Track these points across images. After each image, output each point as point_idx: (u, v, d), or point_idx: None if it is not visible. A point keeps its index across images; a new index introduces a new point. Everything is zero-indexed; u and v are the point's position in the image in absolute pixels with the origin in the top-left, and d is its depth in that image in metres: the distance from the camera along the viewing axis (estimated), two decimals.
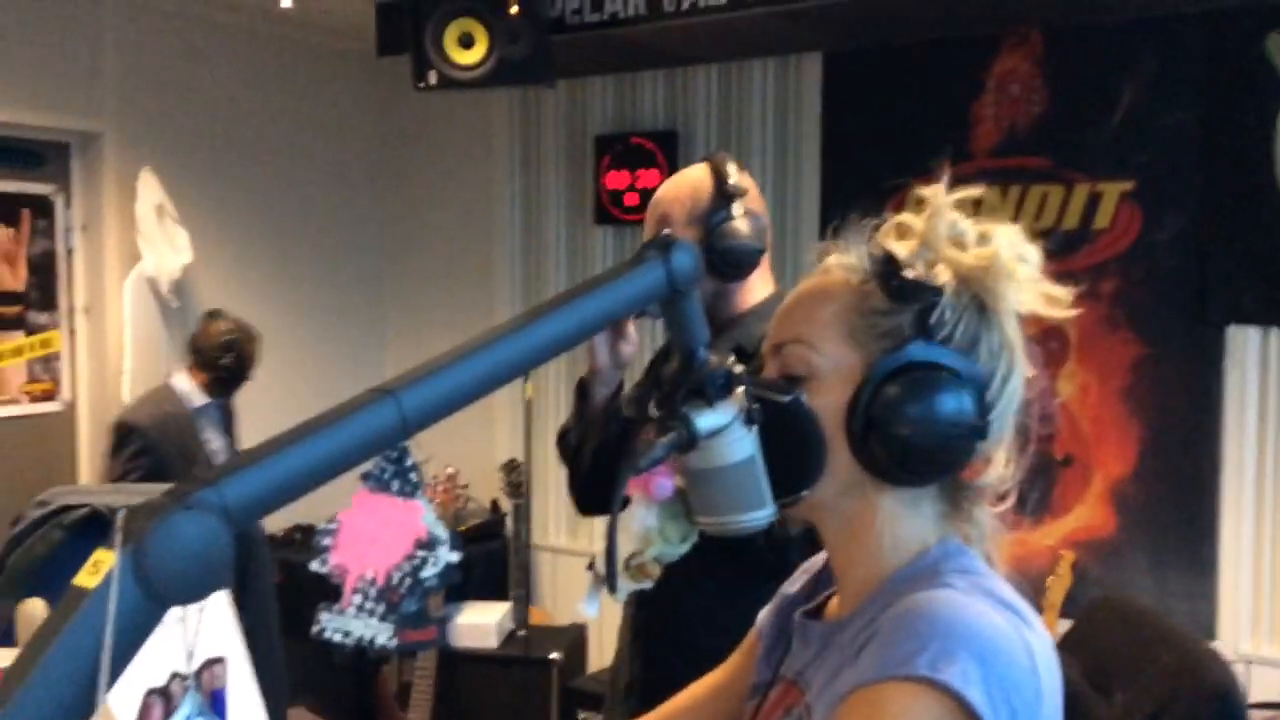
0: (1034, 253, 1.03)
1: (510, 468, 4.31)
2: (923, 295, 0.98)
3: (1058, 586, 3.46)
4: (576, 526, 4.73)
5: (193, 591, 0.63)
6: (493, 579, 4.43)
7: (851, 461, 0.99)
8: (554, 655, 3.93)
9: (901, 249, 1.02)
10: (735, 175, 2.07)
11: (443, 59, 3.22)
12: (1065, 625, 2.70)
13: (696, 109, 4.40)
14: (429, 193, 5.15)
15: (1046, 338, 3.64)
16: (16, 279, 4.06)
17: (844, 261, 1.05)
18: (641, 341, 2.25)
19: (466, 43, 3.24)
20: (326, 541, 0.72)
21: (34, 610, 1.41)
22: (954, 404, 0.96)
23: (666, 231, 0.92)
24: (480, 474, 4.66)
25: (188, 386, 3.74)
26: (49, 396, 4.17)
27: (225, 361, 3.71)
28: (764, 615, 1.24)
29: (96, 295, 4.23)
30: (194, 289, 4.37)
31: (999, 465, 1.03)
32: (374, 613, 0.72)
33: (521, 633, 4.06)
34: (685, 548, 1.01)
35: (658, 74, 4.45)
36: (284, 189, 4.76)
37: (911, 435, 0.96)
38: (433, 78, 3.25)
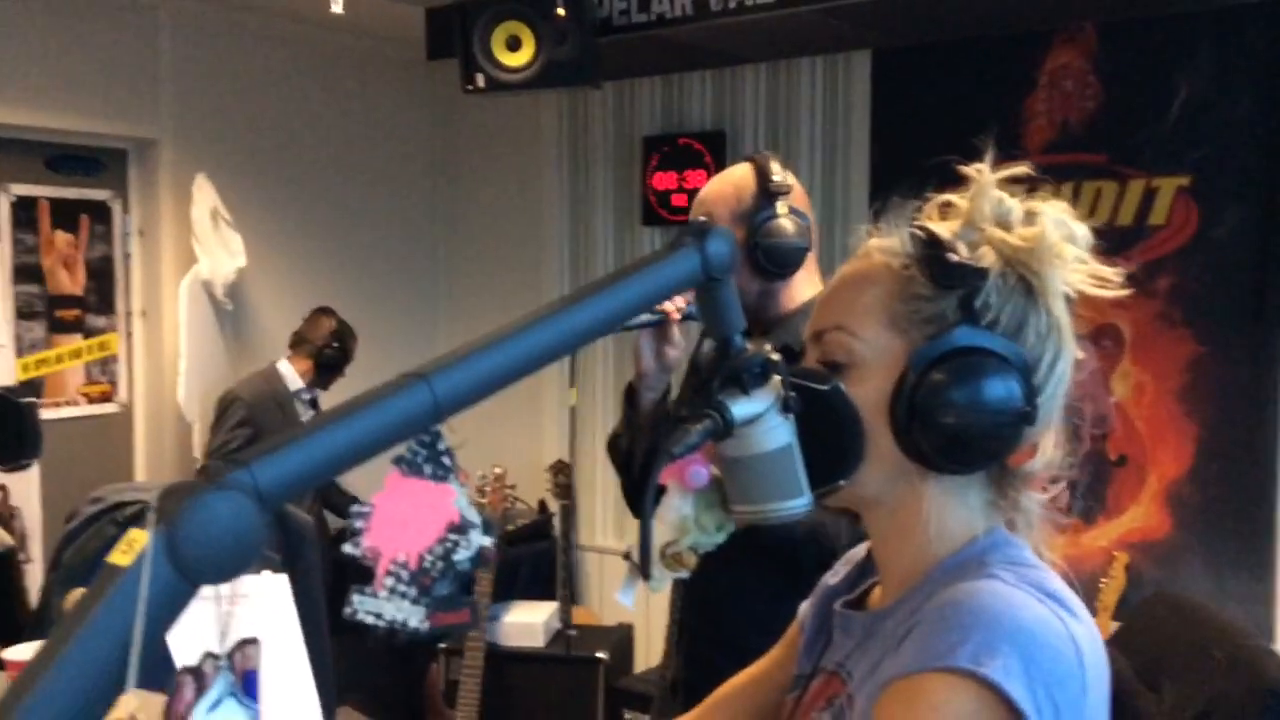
0: (1083, 231, 1.01)
1: (557, 469, 4.32)
2: (967, 279, 0.96)
3: (1111, 588, 3.40)
4: (623, 527, 4.73)
5: (224, 571, 0.64)
6: (540, 579, 4.45)
7: (895, 450, 0.98)
8: (600, 655, 3.93)
9: (944, 230, 1.00)
10: (779, 173, 2.06)
11: (490, 62, 3.24)
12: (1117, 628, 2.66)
13: (744, 109, 4.39)
14: (479, 195, 5.18)
15: (1101, 336, 3.59)
16: (75, 283, 4.14)
17: (885, 245, 1.04)
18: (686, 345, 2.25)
19: (514, 45, 3.25)
20: (360, 524, 0.73)
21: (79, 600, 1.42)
22: (1001, 390, 0.94)
23: (703, 218, 0.91)
24: (528, 474, 4.68)
25: (290, 372, 4.17)
26: (106, 398, 4.25)
27: (330, 353, 4.16)
28: (805, 607, 1.23)
29: (153, 299, 4.30)
30: (248, 292, 4.43)
31: (1047, 450, 1.01)
32: (406, 595, 0.73)
33: (570, 632, 4.06)
34: (721, 537, 1.01)
35: (705, 74, 4.44)
36: (336, 193, 4.82)
37: (957, 423, 0.94)
38: (480, 80, 3.27)
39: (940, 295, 0.98)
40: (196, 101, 4.30)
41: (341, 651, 4.81)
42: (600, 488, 4.67)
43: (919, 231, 1.00)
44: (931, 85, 3.95)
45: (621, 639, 4.17)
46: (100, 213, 4.21)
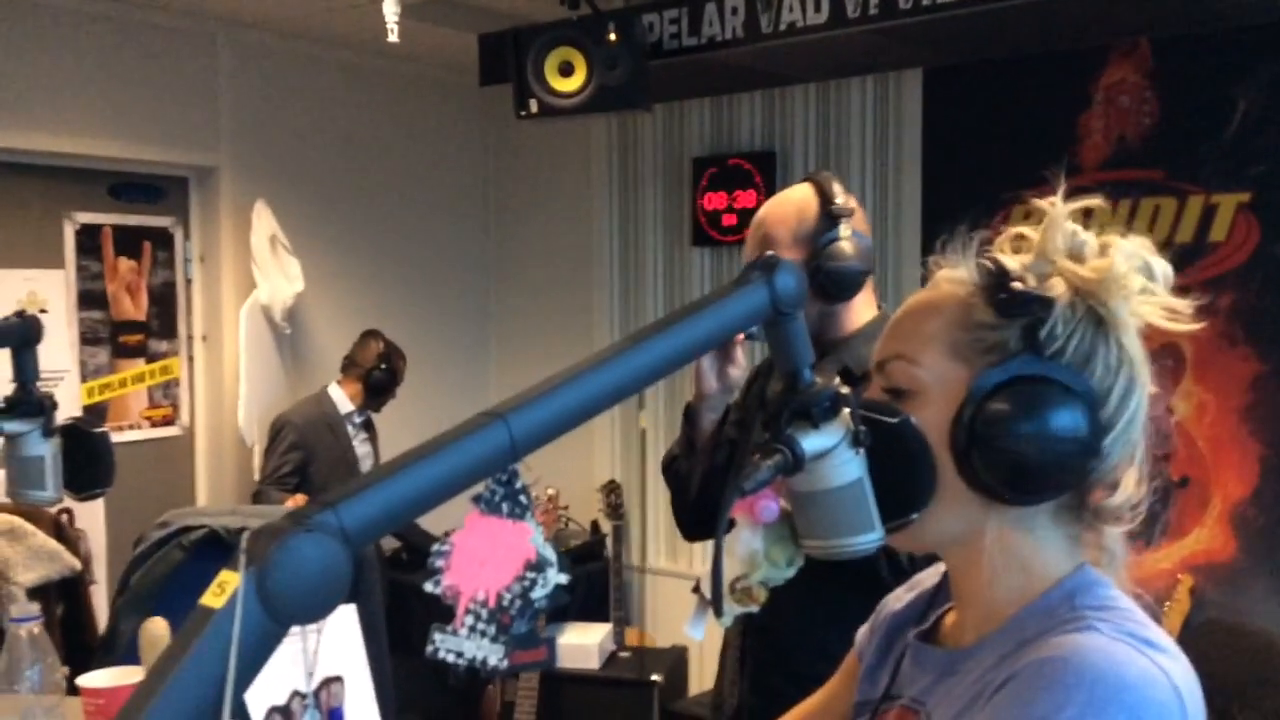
0: (1162, 265, 0.99)
1: (609, 489, 4.33)
2: (1030, 308, 0.96)
3: (1175, 611, 3.35)
4: (676, 548, 4.72)
5: (314, 611, 0.65)
6: (593, 600, 4.45)
7: (958, 480, 0.97)
8: (655, 677, 3.92)
9: (1015, 262, 0.99)
10: (841, 195, 2.04)
11: (543, 87, 3.27)
12: None
13: (795, 129, 4.39)
14: (530, 217, 5.22)
15: (1162, 355, 3.54)
16: (138, 308, 4.22)
17: (952, 275, 1.04)
18: (749, 365, 2.25)
19: (566, 71, 3.28)
20: (440, 563, 0.74)
21: (156, 630, 1.45)
22: (1063, 420, 0.93)
23: (770, 253, 0.91)
24: (580, 495, 4.70)
25: (340, 395, 4.24)
26: (168, 421, 4.32)
27: (378, 375, 4.20)
28: (863, 633, 1.22)
29: (213, 323, 4.38)
30: (306, 316, 4.49)
31: (1129, 487, 0.99)
32: (486, 634, 0.73)
33: (624, 654, 4.06)
34: (791, 572, 1.00)
35: (755, 95, 4.45)
36: (391, 217, 4.88)
37: (1016, 452, 0.93)
38: (534, 106, 3.30)
39: (1004, 324, 0.97)
40: (255, 129, 4.38)
41: (398, 670, 4.84)
42: (654, 508, 4.67)
43: (987, 262, 1.00)
44: (984, 104, 3.93)
45: (676, 661, 4.17)
46: (162, 239, 4.30)
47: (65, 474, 1.57)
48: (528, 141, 5.09)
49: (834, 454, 0.93)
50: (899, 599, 1.20)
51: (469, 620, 0.73)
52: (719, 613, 0.90)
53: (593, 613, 4.37)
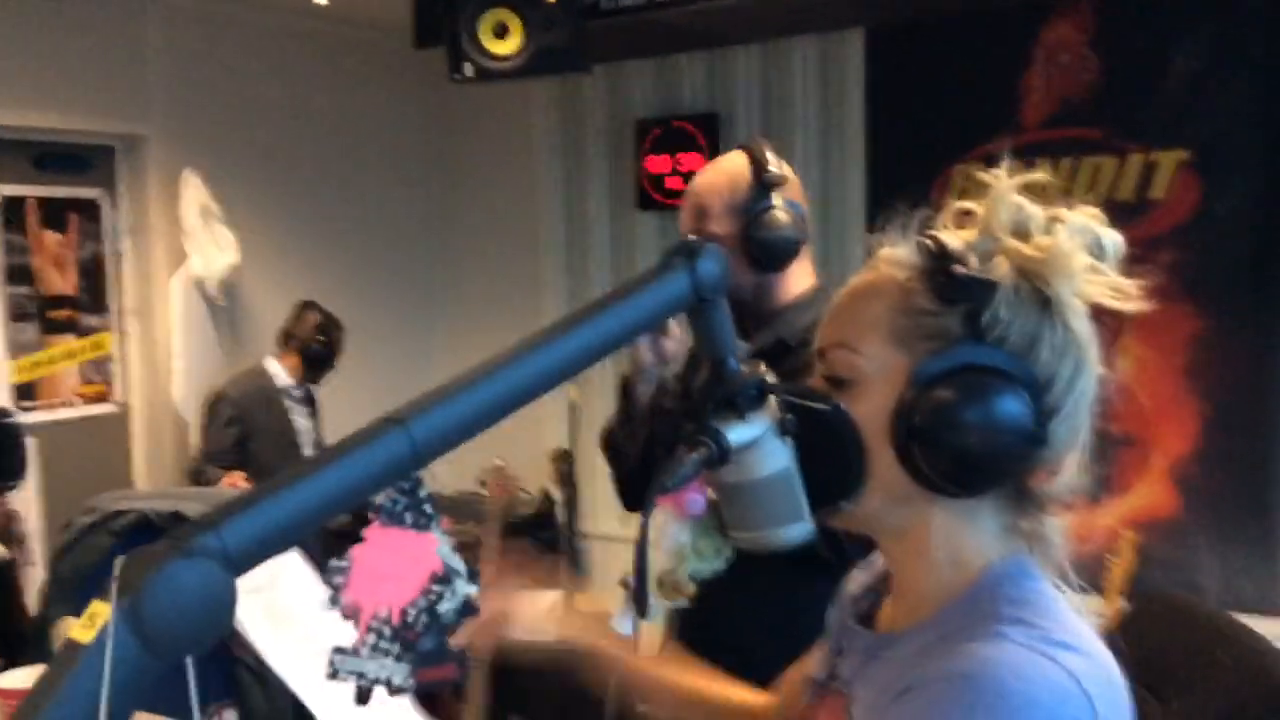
0: (1111, 238, 0.96)
1: (559, 457, 4.29)
2: (971, 292, 0.92)
3: (1119, 567, 3.38)
4: (627, 516, 4.70)
5: (193, 643, 0.61)
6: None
7: (900, 471, 0.94)
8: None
9: (957, 240, 0.96)
10: (774, 163, 2.02)
11: (478, 50, 3.19)
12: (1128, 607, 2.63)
13: (737, 90, 4.34)
14: (473, 183, 5.14)
15: (1099, 312, 3.54)
16: (67, 282, 4.10)
17: (893, 256, 1.00)
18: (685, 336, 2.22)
19: (501, 32, 3.20)
20: (339, 580, 0.69)
21: (69, 631, 1.39)
22: (1005, 409, 0.90)
23: (692, 237, 0.87)
24: (529, 462, 4.65)
25: (278, 368, 4.12)
26: (102, 398, 4.22)
27: (316, 347, 4.11)
28: (830, 614, 1.20)
29: (145, 297, 4.27)
30: (242, 288, 4.39)
31: (1069, 472, 0.96)
32: (389, 653, 0.69)
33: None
34: (720, 564, 0.98)
35: (697, 55, 4.39)
36: (328, 186, 4.77)
37: (958, 443, 0.90)
38: (468, 69, 3.21)
39: (945, 309, 0.94)
40: (185, 96, 4.25)
41: None
42: (603, 475, 4.63)
43: (927, 241, 0.97)
44: (926, 62, 3.90)
45: None
46: (90, 211, 4.17)
47: None
48: (468, 106, 5.00)
49: (760, 444, 0.90)
50: (856, 580, 1.18)
51: (370, 639, 0.69)
52: (643, 612, 0.86)
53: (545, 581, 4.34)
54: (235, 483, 3.68)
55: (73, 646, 0.59)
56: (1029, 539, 0.97)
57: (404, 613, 0.70)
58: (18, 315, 3.96)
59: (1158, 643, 1.42)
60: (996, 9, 3.70)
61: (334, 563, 0.70)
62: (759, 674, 1.26)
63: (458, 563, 0.72)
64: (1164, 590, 2.82)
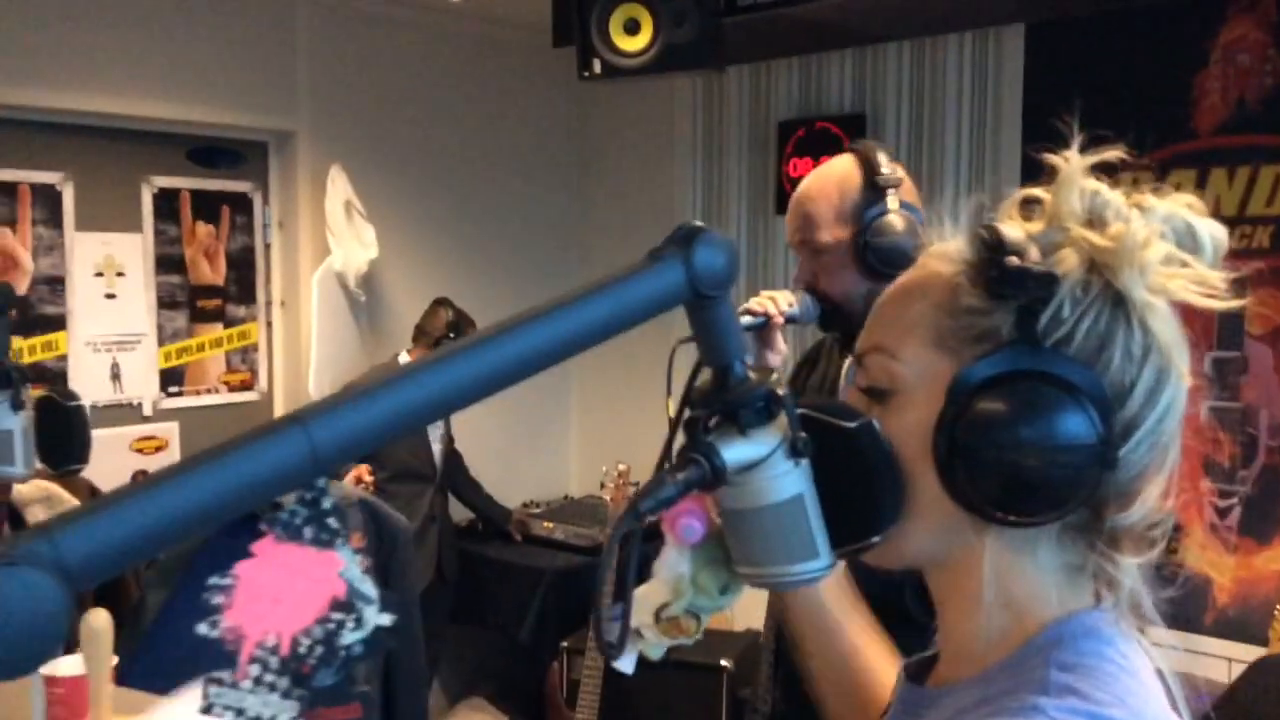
0: (1209, 228, 0.82)
1: None
2: (1026, 287, 0.78)
3: None
4: None
5: (17, 663, 0.53)
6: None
7: (944, 495, 0.81)
8: (724, 662, 3.79)
9: (1020, 230, 0.82)
10: (887, 165, 1.90)
11: (607, 47, 3.12)
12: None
13: (886, 90, 4.16)
14: (610, 184, 5.09)
15: (1277, 338, 3.23)
16: (216, 273, 4.22)
17: (942, 250, 0.87)
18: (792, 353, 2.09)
19: (632, 29, 3.12)
20: (218, 599, 0.61)
21: (97, 622, 1.37)
22: (1064, 424, 0.76)
23: (693, 223, 0.76)
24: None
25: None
26: (246, 386, 4.33)
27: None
28: None
29: (291, 289, 4.36)
30: (381, 283, 4.45)
31: (1149, 500, 0.81)
32: (275, 687, 0.60)
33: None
34: (728, 600, 0.86)
35: (845, 54, 4.22)
36: (468, 182, 4.79)
37: (1005, 463, 0.77)
38: (597, 66, 3.15)
39: (996, 307, 0.80)
40: (333, 92, 4.33)
41: (472, 642, 4.80)
42: None
43: (982, 232, 0.83)
44: (1091, 62, 3.63)
45: (748, 646, 4.01)
46: (241, 204, 4.29)
47: (40, 449, 1.50)
48: (609, 107, 4.95)
49: (766, 465, 0.78)
50: None
51: (254, 670, 0.60)
52: (613, 655, 0.75)
53: None
54: (361, 475, 3.71)
55: None
56: (1098, 582, 0.82)
57: (295, 642, 0.61)
58: (168, 303, 4.09)
59: (1263, 713, 1.23)
60: (1169, 5, 3.42)
61: (214, 580, 0.62)
62: None
63: (368, 588, 0.63)
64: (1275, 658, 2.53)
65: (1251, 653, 3.31)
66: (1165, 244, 0.81)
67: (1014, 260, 0.78)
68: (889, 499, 0.82)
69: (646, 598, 0.86)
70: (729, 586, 0.85)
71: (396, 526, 2.53)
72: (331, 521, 0.63)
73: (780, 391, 0.78)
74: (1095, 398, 0.77)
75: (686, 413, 0.80)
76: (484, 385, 0.67)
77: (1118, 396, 0.79)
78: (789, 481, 0.78)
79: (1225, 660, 3.38)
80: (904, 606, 1.38)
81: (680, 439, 0.79)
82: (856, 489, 0.82)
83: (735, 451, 0.77)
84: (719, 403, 0.79)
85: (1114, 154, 0.85)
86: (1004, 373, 0.78)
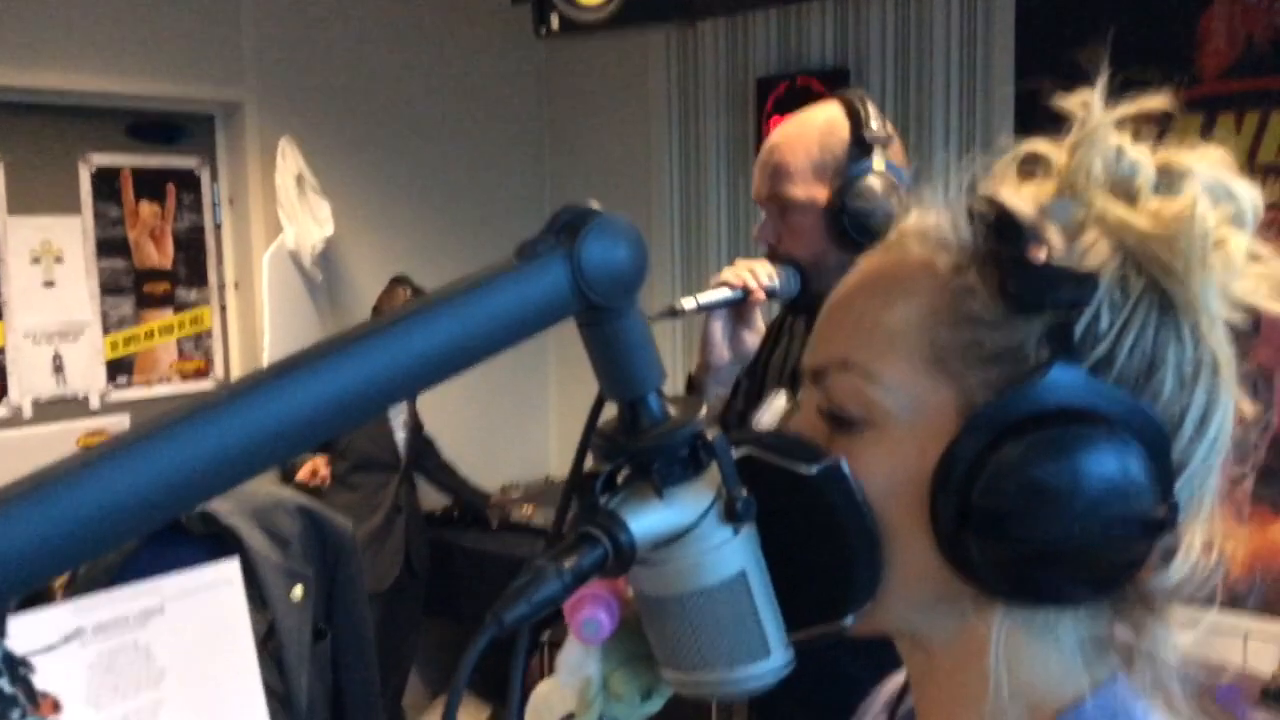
0: (1249, 195, 0.61)
1: None
2: (1061, 293, 0.57)
3: None
4: None
5: None
6: None
7: (936, 562, 0.60)
8: None
9: (1026, 202, 0.61)
10: (876, 119, 1.68)
11: (565, 1, 2.87)
12: None
13: (870, 42, 3.92)
14: (581, 147, 4.84)
15: None
16: (164, 256, 3.98)
17: (926, 228, 0.64)
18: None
19: None
20: None
21: None
22: (1123, 480, 0.56)
23: (580, 206, 0.53)
24: None
25: None
26: (201, 374, 4.10)
27: None
28: None
29: (245, 270, 4.12)
30: (338, 261, 4.21)
31: (1191, 551, 0.61)
32: None
33: None
34: (653, 706, 0.64)
35: (825, 4, 3.98)
36: (428, 153, 4.53)
37: (1043, 533, 0.56)
38: (555, 22, 2.91)
39: (1015, 318, 0.59)
40: (281, 60, 4.07)
41: (442, 636, 4.59)
42: None
43: (984, 205, 0.61)
44: (1087, 8, 3.40)
45: None
46: (187, 181, 4.04)
47: None
48: (578, 66, 4.70)
49: (693, 537, 0.56)
50: (874, 716, 0.83)
51: None
52: None
53: None
54: (317, 468, 3.50)
55: None
56: (1125, 654, 0.62)
57: None
58: (112, 289, 3.85)
59: None
60: None
61: None
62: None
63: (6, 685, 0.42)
64: None
65: (1267, 626, 3.14)
66: (1238, 230, 0.60)
67: (1041, 255, 0.57)
68: (863, 568, 0.60)
69: (549, 706, 0.64)
70: (654, 689, 0.63)
71: (342, 533, 2.31)
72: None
73: (710, 434, 0.56)
74: (1153, 442, 0.56)
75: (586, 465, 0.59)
76: (230, 471, 0.45)
77: (1170, 435, 0.59)
78: (726, 556, 0.57)
79: (1239, 636, 3.21)
80: (838, 667, 1.14)
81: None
82: (820, 556, 0.61)
83: (649, 520, 0.55)
84: (627, 452, 0.57)
85: (1157, 103, 0.64)
86: (1043, 410, 0.56)
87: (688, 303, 1.60)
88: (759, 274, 1.68)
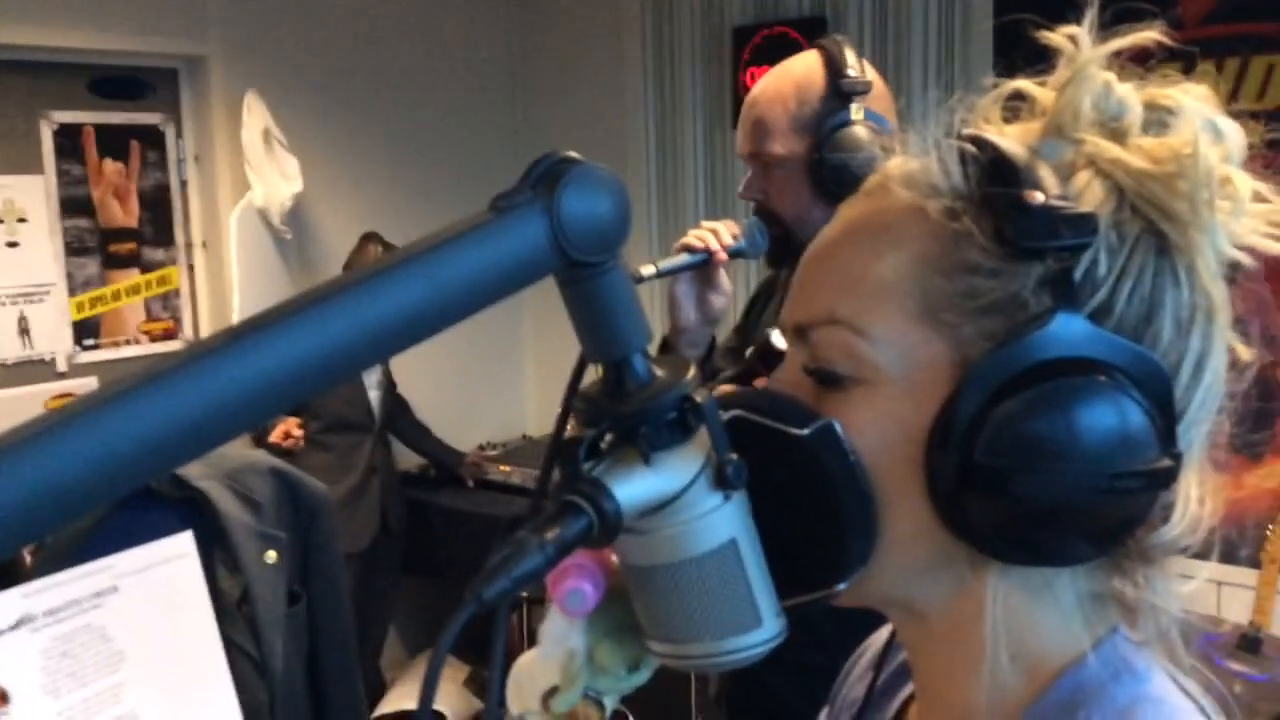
0: (1234, 133, 0.59)
1: None
2: (1058, 233, 0.55)
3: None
4: None
5: None
6: None
7: (933, 522, 0.57)
8: None
9: (1015, 142, 0.59)
10: (855, 65, 1.66)
11: None
12: None
13: None
14: (553, 100, 4.77)
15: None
16: (129, 214, 3.90)
17: (912, 171, 0.62)
18: (735, 286, 1.84)
19: None
20: None
21: None
22: (1129, 433, 0.54)
23: (557, 156, 0.50)
24: None
25: None
26: (170, 335, 4.04)
27: None
28: (823, 716, 0.85)
29: (213, 228, 4.05)
30: (307, 219, 4.14)
31: (1189, 503, 0.60)
32: None
33: None
34: (639, 678, 0.62)
35: None
36: (398, 107, 4.45)
37: (1047, 490, 0.54)
38: None
39: (1013, 265, 0.56)
40: (246, 12, 3.97)
41: (422, 594, 4.58)
42: None
43: (972, 146, 0.58)
44: None
45: None
46: (151, 138, 3.95)
47: None
48: (550, 17, 4.62)
49: (681, 505, 0.53)
50: (852, 673, 0.81)
51: None
52: None
53: None
54: (290, 429, 3.45)
55: None
56: (1125, 607, 0.61)
57: None
58: (77, 250, 3.77)
59: None
60: None
61: None
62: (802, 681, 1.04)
63: None
64: None
65: (1242, 576, 3.17)
66: (1238, 170, 0.59)
67: (1039, 196, 0.54)
68: (858, 532, 0.58)
69: (531, 678, 0.62)
70: (640, 662, 0.61)
71: (315, 495, 2.28)
72: None
73: (698, 396, 0.53)
74: (1158, 393, 0.54)
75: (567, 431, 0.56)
76: (181, 446, 0.41)
77: (1168, 381, 0.57)
78: (715, 523, 0.54)
79: (1215, 584, 3.24)
80: (816, 629, 1.13)
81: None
82: (812, 521, 0.58)
83: (635, 487, 0.52)
84: (611, 416, 0.54)
85: (1148, 35, 0.62)
86: (1044, 361, 0.54)
87: (647, 270, 1.59)
88: (722, 235, 1.67)
